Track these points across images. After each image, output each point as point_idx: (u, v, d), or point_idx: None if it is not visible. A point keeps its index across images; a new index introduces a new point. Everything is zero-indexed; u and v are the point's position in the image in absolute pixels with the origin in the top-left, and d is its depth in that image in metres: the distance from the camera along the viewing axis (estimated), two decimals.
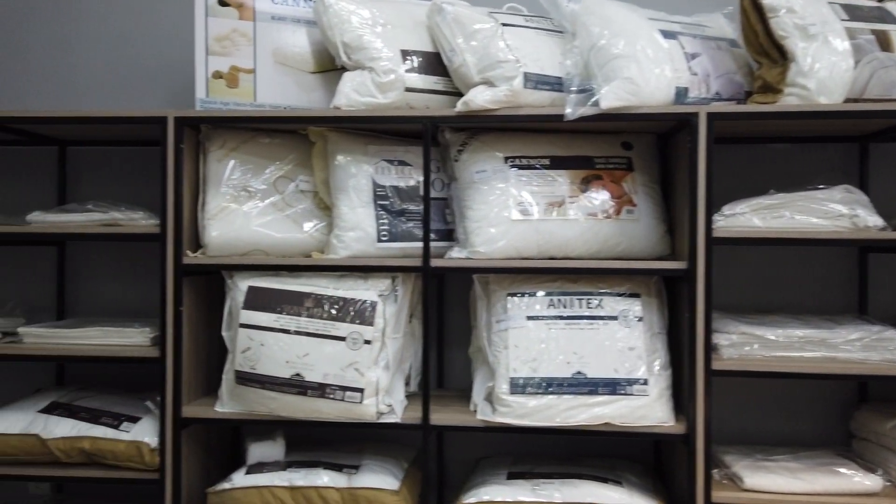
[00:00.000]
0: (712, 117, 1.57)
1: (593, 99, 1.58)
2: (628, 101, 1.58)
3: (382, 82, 1.67)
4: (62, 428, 1.73)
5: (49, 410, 1.78)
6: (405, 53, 1.71)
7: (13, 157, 2.13)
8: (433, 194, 1.79)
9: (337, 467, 1.72)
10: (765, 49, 1.65)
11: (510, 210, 1.68)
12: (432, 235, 1.74)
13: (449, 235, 1.80)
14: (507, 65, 1.62)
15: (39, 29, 2.13)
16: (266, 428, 1.82)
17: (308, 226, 1.81)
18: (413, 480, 1.79)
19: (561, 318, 1.66)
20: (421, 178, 1.79)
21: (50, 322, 1.94)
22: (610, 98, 1.57)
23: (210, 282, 1.86)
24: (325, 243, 1.79)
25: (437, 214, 1.79)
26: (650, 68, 1.59)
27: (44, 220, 1.76)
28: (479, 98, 1.62)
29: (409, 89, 1.70)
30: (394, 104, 1.69)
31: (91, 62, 2.12)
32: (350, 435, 2.01)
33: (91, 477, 1.70)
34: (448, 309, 2.04)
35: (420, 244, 1.73)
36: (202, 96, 1.73)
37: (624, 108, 1.59)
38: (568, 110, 1.59)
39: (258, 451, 1.76)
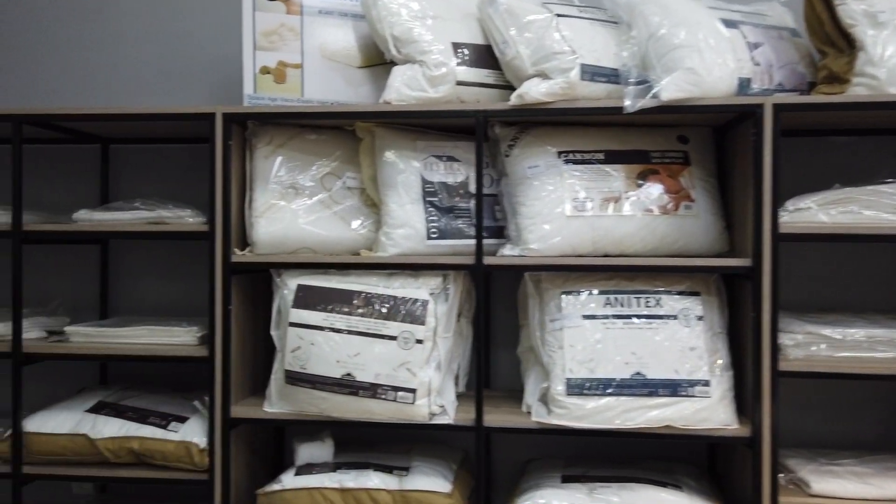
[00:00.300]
0: (778, 108, 1.50)
1: (654, 91, 1.52)
2: (690, 93, 1.52)
3: (433, 76, 1.63)
4: (110, 428, 1.70)
5: (96, 410, 1.76)
6: (456, 46, 1.66)
7: (56, 155, 2.11)
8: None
9: (387, 469, 1.68)
10: (831, 38, 1.57)
11: (564, 206, 1.63)
12: (483, 233, 1.70)
13: (499, 232, 1.75)
14: (562, 56, 1.57)
15: (80, 25, 2.11)
16: (312, 428, 1.79)
17: (355, 223, 1.77)
18: (463, 483, 1.74)
19: (618, 317, 1.60)
20: (469, 174, 1.74)
21: (95, 321, 1.91)
22: (671, 89, 1.51)
23: (255, 280, 1.83)
24: (373, 241, 1.75)
25: (487, 211, 1.74)
26: (712, 58, 1.53)
27: (91, 218, 1.74)
28: (533, 90, 1.56)
29: (459, 83, 1.65)
30: (444, 98, 1.64)
31: (130, 59, 2.09)
32: (396, 436, 1.96)
33: (140, 477, 1.67)
34: (492, 307, 1.99)
35: (469, 241, 1.69)
36: (250, 92, 1.69)
37: (685, 100, 1.52)
38: (627, 102, 1.53)
39: (307, 451, 1.72)
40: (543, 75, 1.59)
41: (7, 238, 1.72)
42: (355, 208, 1.78)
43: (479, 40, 1.70)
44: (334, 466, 1.70)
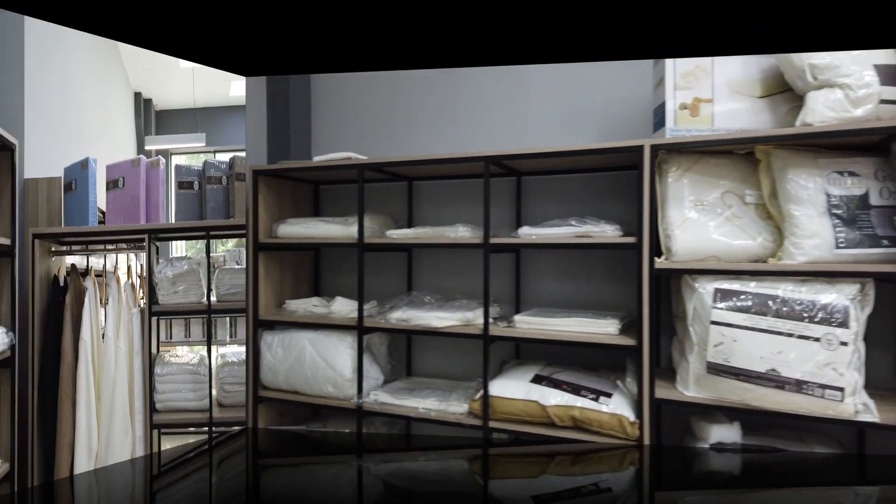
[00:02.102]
0: None
1: None
2: None
3: (857, 97, 1.65)
4: (554, 397, 2.01)
5: (537, 381, 2.08)
6: (876, 68, 1.66)
7: (474, 187, 2.52)
8: (881, 202, 1.73)
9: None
10: None
11: None
12: (885, 242, 1.70)
13: None
14: None
15: (505, 85, 2.48)
16: (706, 410, 1.91)
17: (754, 234, 1.86)
18: None
19: None
20: (869, 187, 1.75)
21: (524, 311, 2.27)
22: None
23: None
24: (772, 250, 1.83)
25: (889, 222, 1.72)
26: None
27: (538, 233, 2.06)
28: None
29: (882, 101, 1.65)
30: (865, 117, 1.66)
31: (533, 107, 2.42)
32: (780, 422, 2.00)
33: (580, 440, 1.96)
34: None
35: (873, 251, 1.70)
36: (671, 126, 1.88)
37: None
38: None
39: (718, 432, 1.86)
40: None
41: (479, 249, 2.16)
42: (753, 221, 1.87)
43: (893, 60, 1.67)
44: (743, 449, 1.81)
